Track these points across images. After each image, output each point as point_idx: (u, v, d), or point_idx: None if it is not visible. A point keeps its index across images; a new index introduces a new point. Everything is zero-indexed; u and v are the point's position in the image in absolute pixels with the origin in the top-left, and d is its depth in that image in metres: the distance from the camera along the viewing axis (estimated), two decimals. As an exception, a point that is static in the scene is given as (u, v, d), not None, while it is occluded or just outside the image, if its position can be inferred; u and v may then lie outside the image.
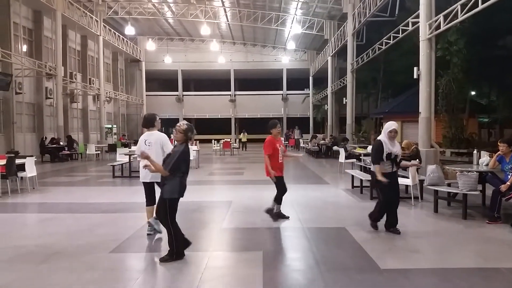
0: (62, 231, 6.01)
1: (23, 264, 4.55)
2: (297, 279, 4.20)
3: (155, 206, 5.18)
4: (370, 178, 8.71)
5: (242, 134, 29.39)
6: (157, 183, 5.30)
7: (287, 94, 40.42)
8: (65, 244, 5.29)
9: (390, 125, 5.67)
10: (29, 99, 21.19)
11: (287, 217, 6.63)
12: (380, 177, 5.47)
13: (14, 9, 19.63)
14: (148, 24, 33.22)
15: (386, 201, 5.68)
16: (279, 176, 6.51)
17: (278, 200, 6.58)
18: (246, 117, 40.79)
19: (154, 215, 5.42)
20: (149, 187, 5.64)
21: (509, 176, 6.42)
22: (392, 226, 5.73)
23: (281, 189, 6.57)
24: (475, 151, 8.04)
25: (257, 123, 42.08)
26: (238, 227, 6.29)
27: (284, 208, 7.73)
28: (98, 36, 26.82)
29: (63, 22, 22.29)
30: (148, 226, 5.64)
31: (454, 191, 6.91)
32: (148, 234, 5.64)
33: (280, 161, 6.49)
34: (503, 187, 6.24)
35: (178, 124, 4.60)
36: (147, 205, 5.66)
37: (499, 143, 6.74)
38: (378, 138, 5.83)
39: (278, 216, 6.57)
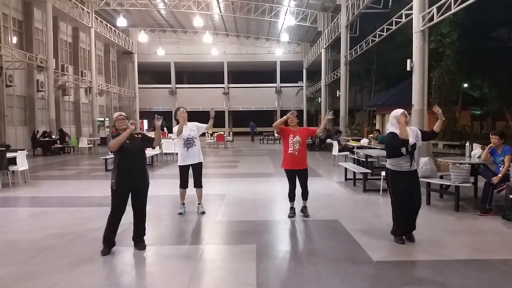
0: (54, 225, 5.97)
1: (14, 259, 4.52)
2: (291, 271, 4.21)
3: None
4: (363, 171, 8.79)
5: None
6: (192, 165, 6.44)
7: (280, 86, 40.38)
8: (57, 238, 5.26)
9: (397, 111, 4.89)
10: (20, 92, 20.95)
11: (290, 215, 6.32)
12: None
13: (3, 0, 19.32)
14: (140, 15, 32.91)
15: (399, 207, 4.90)
16: (286, 170, 6.25)
17: (288, 196, 6.37)
18: (240, 109, 40.74)
19: (182, 201, 6.63)
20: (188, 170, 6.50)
21: (500, 168, 6.47)
22: (407, 232, 5.02)
23: (289, 185, 6.31)
24: (467, 144, 8.09)
25: (251, 116, 42.22)
26: (232, 220, 6.29)
27: (278, 202, 7.76)
28: (89, 28, 26.52)
29: (54, 14, 22.01)
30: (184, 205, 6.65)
31: (447, 183, 6.95)
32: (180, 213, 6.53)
33: (290, 152, 6.10)
34: (494, 179, 6.30)
35: (120, 113, 4.86)
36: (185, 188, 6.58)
37: (491, 136, 6.78)
38: (388, 132, 4.98)
39: (293, 212, 6.36)
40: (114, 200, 4.64)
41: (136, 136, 4.76)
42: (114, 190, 4.62)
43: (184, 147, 6.39)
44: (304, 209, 6.39)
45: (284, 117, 6.24)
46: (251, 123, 32.68)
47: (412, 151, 4.86)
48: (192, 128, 6.46)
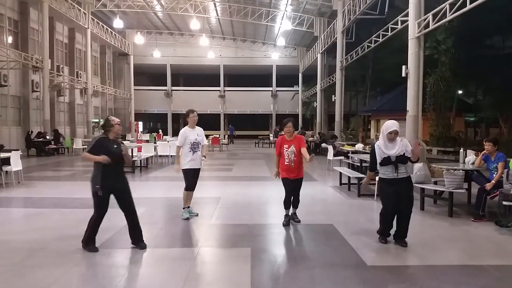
0: (48, 226, 5.94)
1: (7, 260, 4.49)
2: (285, 275, 4.21)
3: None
4: (358, 176, 8.83)
5: None
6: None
7: (276, 90, 40.45)
8: (50, 240, 5.24)
9: (389, 125, 4.97)
10: (14, 92, 20.85)
11: (285, 223, 6.14)
12: (365, 180, 5.27)
13: (-1, 0, 19.26)
14: (137, 17, 32.89)
15: (385, 211, 5.15)
16: (283, 178, 6.06)
17: (284, 203, 6.19)
18: (236, 113, 40.77)
19: (188, 204, 6.55)
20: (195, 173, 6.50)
21: (494, 175, 6.52)
22: (398, 237, 5.16)
23: (285, 193, 6.13)
24: (461, 150, 8.15)
25: (246, 119, 42.34)
26: (227, 223, 6.29)
27: (273, 205, 7.77)
28: (86, 29, 26.48)
29: (50, 14, 21.95)
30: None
31: (440, 189, 6.99)
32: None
33: (286, 163, 5.95)
34: (488, 186, 6.34)
35: (114, 119, 4.92)
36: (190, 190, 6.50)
37: (484, 142, 6.84)
38: (376, 142, 5.25)
39: (288, 220, 6.18)
40: (98, 204, 4.77)
41: (118, 141, 4.95)
42: (96, 193, 4.71)
43: (190, 151, 6.36)
44: (294, 215, 6.30)
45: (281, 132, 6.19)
46: (230, 126, 34.05)
47: (398, 161, 4.94)
48: (199, 134, 6.49)
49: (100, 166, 4.67)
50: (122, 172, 4.95)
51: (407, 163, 5.04)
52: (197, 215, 6.62)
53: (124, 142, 5.15)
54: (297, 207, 6.33)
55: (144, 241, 4.93)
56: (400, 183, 4.99)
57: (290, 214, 6.25)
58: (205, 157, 6.62)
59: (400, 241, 5.10)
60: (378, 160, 5.01)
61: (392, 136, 4.95)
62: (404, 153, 4.95)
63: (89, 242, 4.80)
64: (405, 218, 5.07)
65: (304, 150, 5.89)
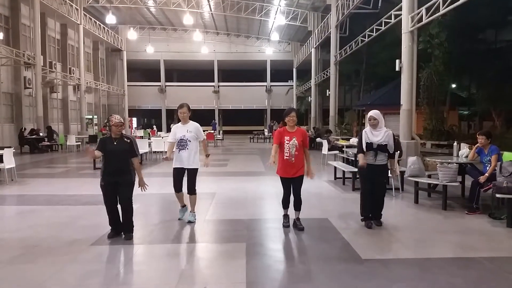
0: (41, 224, 5.90)
1: (1, 257, 4.45)
2: (280, 269, 4.22)
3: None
4: (353, 170, 8.85)
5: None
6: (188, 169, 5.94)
7: (271, 85, 40.42)
8: (44, 237, 5.20)
9: (369, 113, 5.66)
10: (6, 89, 20.66)
11: (285, 224, 5.72)
12: (360, 162, 5.50)
13: (-11, -4, 19.02)
14: (130, 12, 32.64)
15: (363, 192, 5.74)
16: (281, 177, 5.56)
17: (282, 203, 5.74)
18: (230, 108, 40.71)
19: (192, 208, 6.08)
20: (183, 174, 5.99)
21: (487, 168, 6.56)
22: (374, 218, 5.70)
23: (283, 192, 5.64)
24: (455, 143, 8.19)
25: (241, 115, 42.28)
26: (222, 219, 6.29)
27: (268, 201, 7.77)
28: (78, 24, 26.27)
29: (42, 10, 21.73)
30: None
31: (435, 182, 7.02)
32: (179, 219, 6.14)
33: (285, 158, 5.34)
34: (481, 179, 6.38)
35: (120, 120, 5.11)
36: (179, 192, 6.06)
37: (478, 136, 6.87)
38: (364, 129, 5.81)
39: (288, 220, 5.73)
40: (103, 194, 5.12)
41: (125, 140, 5.11)
42: (101, 185, 5.08)
43: (176, 148, 5.86)
44: (297, 222, 5.63)
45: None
46: (213, 121, 35.63)
47: (379, 149, 5.47)
48: (190, 129, 5.86)
49: (103, 160, 5.10)
50: (126, 167, 5.07)
51: (386, 153, 5.53)
52: (178, 219, 6.11)
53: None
54: (299, 210, 5.65)
55: (132, 236, 5.12)
56: (377, 169, 5.52)
57: (288, 213, 5.78)
58: (207, 156, 6.18)
59: (376, 221, 5.69)
60: (363, 145, 5.52)
61: (372, 122, 5.55)
62: (386, 144, 5.46)
63: (111, 228, 5.20)
64: (379, 200, 5.69)
65: (306, 152, 5.52)
